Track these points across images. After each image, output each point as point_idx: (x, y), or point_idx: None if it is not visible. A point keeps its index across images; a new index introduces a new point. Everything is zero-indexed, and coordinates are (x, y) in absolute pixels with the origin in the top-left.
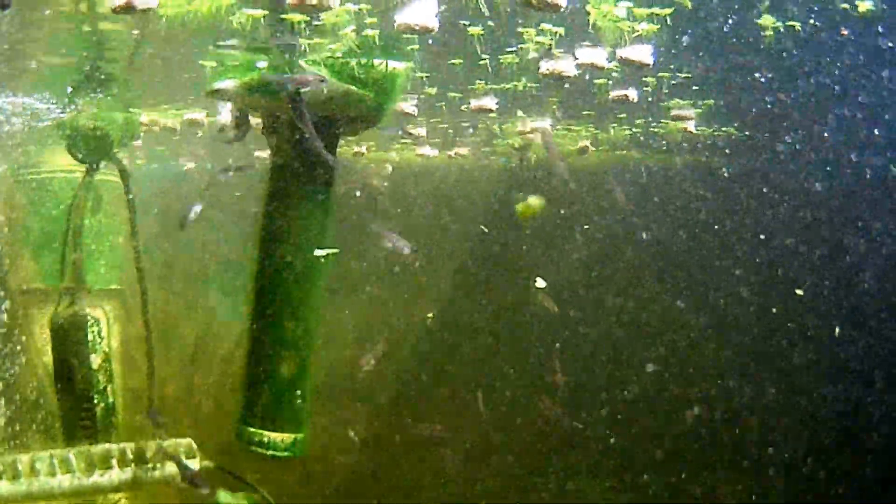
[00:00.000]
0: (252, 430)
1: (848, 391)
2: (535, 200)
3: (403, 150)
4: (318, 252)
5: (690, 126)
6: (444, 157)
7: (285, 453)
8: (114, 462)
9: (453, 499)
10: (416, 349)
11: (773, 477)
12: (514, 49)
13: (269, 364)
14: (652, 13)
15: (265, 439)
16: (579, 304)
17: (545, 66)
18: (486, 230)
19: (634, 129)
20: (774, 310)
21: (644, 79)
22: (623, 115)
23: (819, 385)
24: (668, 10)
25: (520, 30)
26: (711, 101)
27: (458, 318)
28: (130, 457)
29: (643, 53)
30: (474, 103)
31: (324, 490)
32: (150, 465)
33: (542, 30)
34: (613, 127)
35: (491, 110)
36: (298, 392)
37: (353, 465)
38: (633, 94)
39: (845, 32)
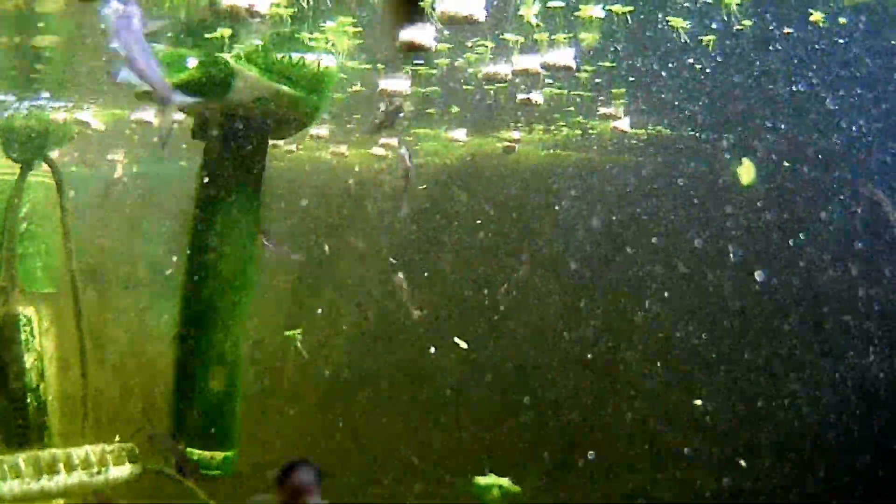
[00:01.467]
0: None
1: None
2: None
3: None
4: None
5: (624, 126)
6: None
7: (216, 472)
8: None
9: (380, 498)
10: (343, 350)
11: (696, 476)
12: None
13: (196, 379)
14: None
15: (196, 458)
16: (514, 301)
17: (484, 71)
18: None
19: (568, 130)
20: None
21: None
22: (557, 116)
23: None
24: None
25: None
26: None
27: (388, 318)
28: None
29: (566, 57)
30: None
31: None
32: (95, 469)
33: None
34: (547, 128)
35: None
36: (228, 408)
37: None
38: (537, 97)
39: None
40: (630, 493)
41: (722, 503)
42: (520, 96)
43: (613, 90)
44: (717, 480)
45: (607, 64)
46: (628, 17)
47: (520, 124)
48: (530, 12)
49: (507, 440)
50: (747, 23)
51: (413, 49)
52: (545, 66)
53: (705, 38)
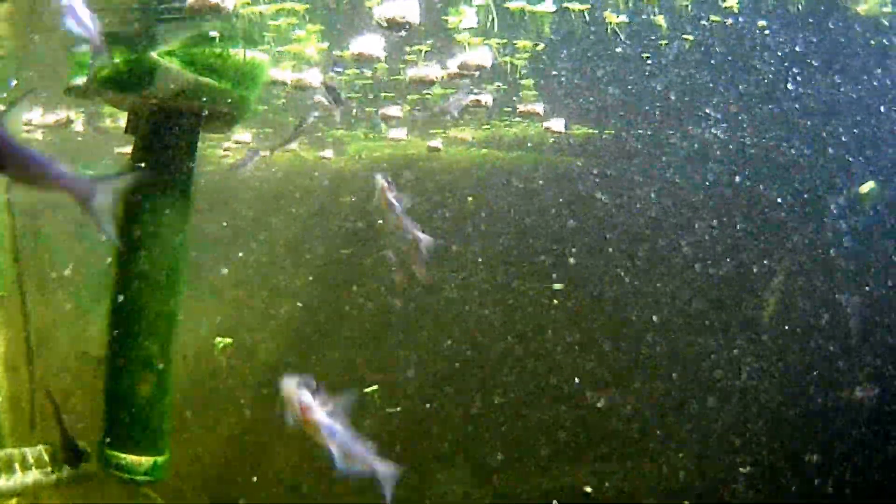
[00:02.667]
0: (111, 452)
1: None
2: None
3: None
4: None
5: (558, 126)
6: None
7: (144, 477)
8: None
9: (319, 497)
10: (279, 347)
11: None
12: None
13: (125, 384)
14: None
15: (123, 462)
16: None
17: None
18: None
19: (501, 130)
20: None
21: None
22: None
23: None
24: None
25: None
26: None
27: (319, 315)
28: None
29: (483, 57)
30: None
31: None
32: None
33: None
34: (480, 127)
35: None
36: (156, 413)
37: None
38: (486, 98)
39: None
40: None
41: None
42: (470, 97)
43: (522, 86)
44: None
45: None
46: (585, 14)
47: (459, 123)
48: (464, 20)
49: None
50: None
51: (395, 24)
52: (462, 67)
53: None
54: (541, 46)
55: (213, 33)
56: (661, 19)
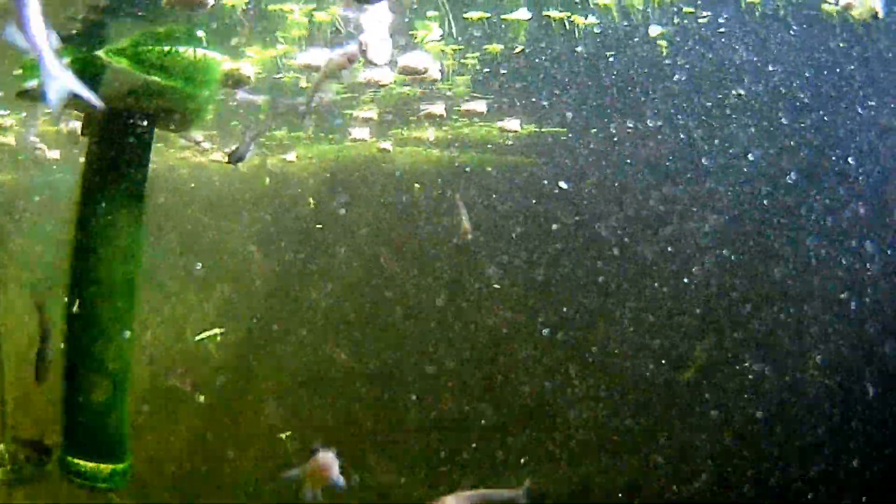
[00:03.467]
0: (70, 458)
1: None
2: None
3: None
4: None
5: (513, 126)
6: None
7: (104, 485)
8: None
9: (273, 498)
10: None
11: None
12: None
13: (80, 389)
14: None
15: (82, 469)
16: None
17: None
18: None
19: (461, 130)
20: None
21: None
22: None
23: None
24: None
25: None
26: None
27: (275, 316)
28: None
29: (422, 60)
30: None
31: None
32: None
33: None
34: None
35: None
36: (113, 420)
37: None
38: (439, 109)
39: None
40: None
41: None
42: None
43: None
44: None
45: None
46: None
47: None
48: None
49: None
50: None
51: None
52: (403, 70)
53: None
54: (518, 49)
55: (200, 32)
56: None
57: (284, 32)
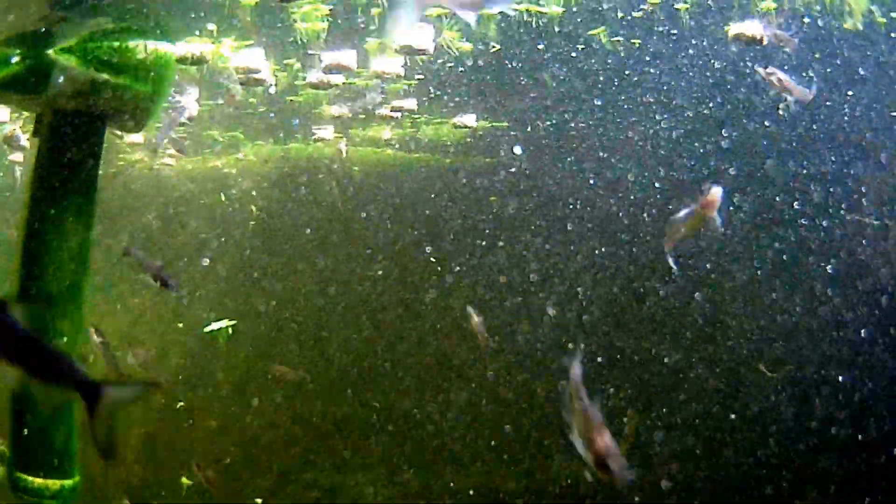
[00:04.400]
0: (18, 474)
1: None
2: None
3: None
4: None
5: (469, 121)
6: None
7: (51, 501)
8: None
9: (225, 498)
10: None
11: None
12: None
13: (26, 402)
14: None
15: (30, 485)
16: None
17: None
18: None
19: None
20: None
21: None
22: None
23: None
24: None
25: None
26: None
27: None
28: None
29: (347, 58)
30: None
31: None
32: None
33: None
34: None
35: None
36: (61, 434)
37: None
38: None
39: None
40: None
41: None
42: (394, 103)
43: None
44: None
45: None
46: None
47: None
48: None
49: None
50: None
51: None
52: (327, 69)
53: None
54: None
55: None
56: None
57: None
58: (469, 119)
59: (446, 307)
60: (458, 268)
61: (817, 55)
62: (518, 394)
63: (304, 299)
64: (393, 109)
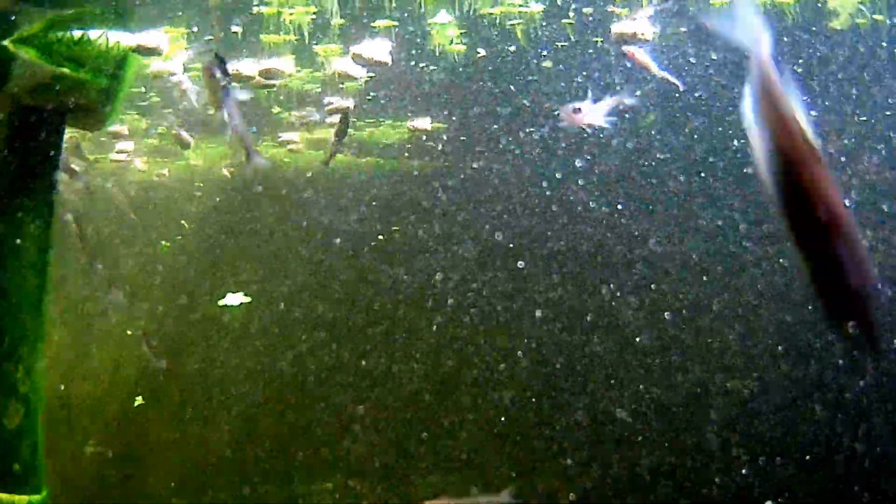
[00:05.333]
0: None
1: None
2: None
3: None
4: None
5: (423, 125)
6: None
7: None
8: None
9: None
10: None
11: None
12: None
13: None
14: None
15: None
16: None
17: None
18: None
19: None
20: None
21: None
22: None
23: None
24: None
25: None
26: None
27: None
28: None
29: (278, 64)
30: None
31: None
32: None
33: None
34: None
35: None
36: (26, 447)
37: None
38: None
39: None
40: None
41: None
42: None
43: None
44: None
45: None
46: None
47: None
48: None
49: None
50: None
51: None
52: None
53: None
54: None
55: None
56: None
57: None
58: (423, 122)
59: (395, 309)
60: (406, 275)
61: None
62: (478, 400)
63: (256, 306)
64: (330, 111)
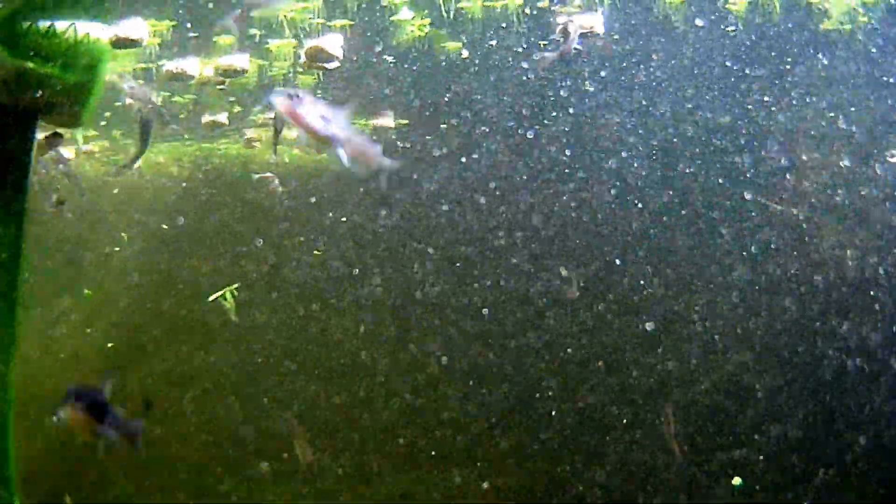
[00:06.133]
0: None
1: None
2: None
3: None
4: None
5: (387, 122)
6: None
7: None
8: None
9: None
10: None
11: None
12: None
13: None
14: None
15: None
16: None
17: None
18: None
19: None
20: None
21: None
22: None
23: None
24: None
25: None
26: None
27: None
28: None
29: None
30: None
31: None
32: None
33: None
34: None
35: None
36: None
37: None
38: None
39: None
40: None
41: None
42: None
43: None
44: None
45: None
46: None
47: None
48: None
49: None
50: None
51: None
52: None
53: None
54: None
55: None
56: None
57: None
58: (387, 120)
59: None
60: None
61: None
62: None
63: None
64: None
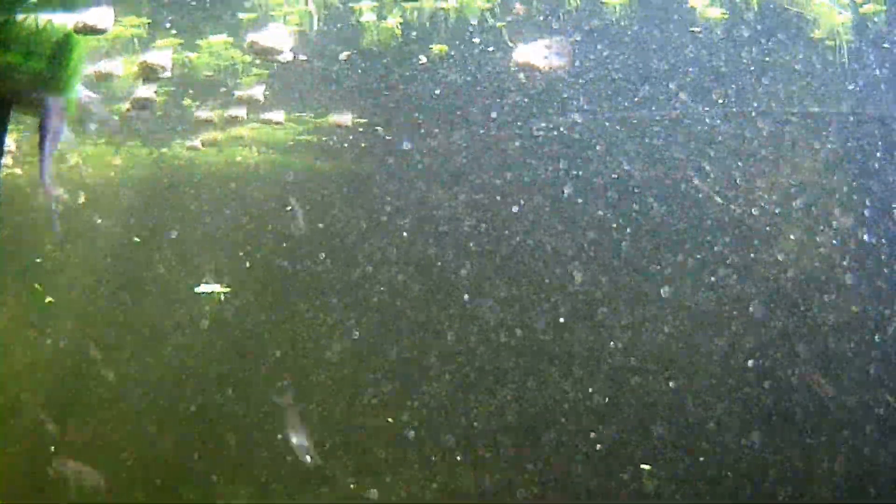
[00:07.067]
0: None
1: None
2: None
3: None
4: None
5: (345, 120)
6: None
7: None
8: None
9: None
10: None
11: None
12: None
13: None
14: None
15: None
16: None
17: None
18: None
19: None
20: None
21: None
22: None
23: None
24: None
25: None
26: None
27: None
28: None
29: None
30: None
31: None
32: None
33: None
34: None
35: None
36: None
37: None
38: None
39: None
40: None
41: None
42: (237, 93)
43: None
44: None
45: None
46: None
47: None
48: None
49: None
50: None
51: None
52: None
53: None
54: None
55: None
56: None
57: None
58: (345, 118)
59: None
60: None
61: None
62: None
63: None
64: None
